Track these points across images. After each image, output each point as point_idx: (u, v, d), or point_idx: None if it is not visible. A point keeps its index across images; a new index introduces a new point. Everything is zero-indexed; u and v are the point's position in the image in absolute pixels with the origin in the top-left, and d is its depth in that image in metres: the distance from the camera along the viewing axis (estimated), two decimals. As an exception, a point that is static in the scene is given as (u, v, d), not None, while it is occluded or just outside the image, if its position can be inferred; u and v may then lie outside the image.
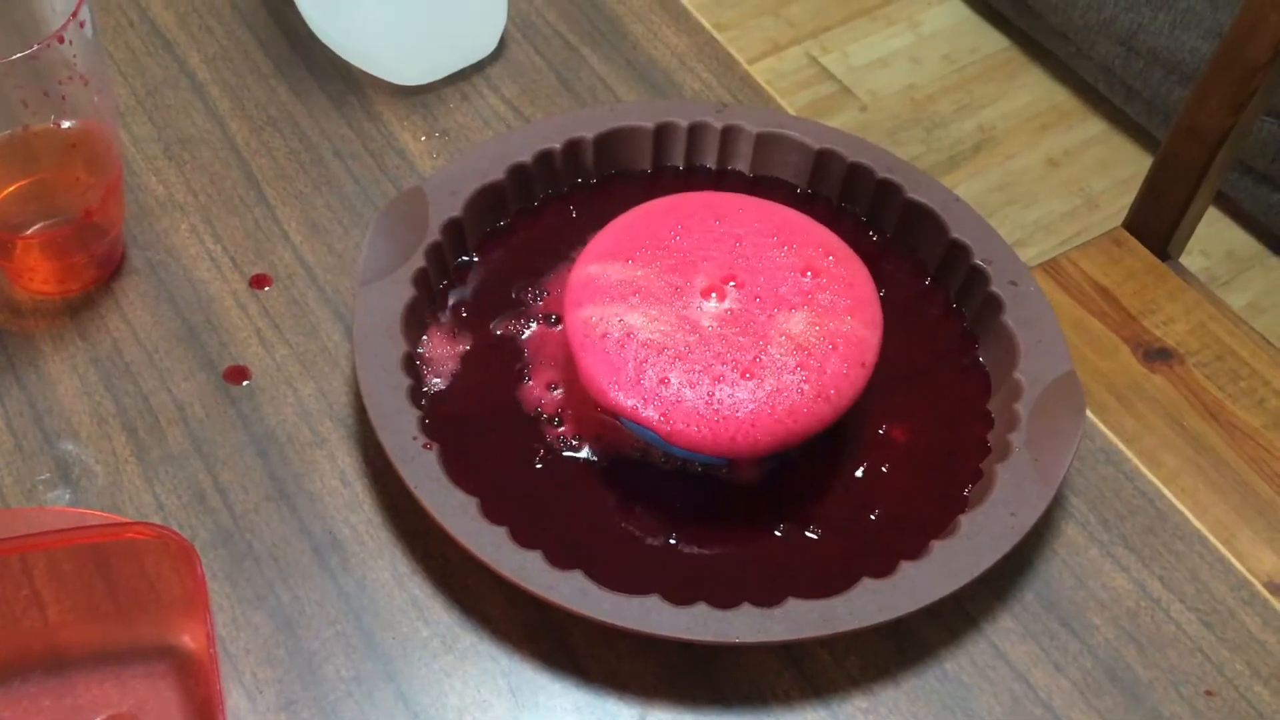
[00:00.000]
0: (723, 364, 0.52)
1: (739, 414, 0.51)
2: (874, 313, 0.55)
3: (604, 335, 0.52)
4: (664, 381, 0.51)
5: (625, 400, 0.51)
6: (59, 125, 0.54)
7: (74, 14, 0.51)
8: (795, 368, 0.52)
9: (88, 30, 0.52)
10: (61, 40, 0.51)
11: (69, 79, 0.52)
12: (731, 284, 0.54)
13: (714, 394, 0.51)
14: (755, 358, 0.52)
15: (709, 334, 0.53)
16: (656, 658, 0.51)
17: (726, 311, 0.54)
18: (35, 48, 0.50)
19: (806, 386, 0.51)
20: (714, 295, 0.54)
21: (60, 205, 0.58)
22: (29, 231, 0.57)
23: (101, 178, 0.57)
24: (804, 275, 0.55)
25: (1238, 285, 1.51)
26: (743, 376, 0.51)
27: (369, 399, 0.53)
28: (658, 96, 0.70)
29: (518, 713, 0.49)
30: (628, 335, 0.52)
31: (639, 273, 0.54)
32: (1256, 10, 0.87)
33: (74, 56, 0.52)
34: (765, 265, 0.55)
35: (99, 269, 0.60)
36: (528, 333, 0.58)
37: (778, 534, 0.53)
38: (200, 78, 0.69)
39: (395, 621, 0.51)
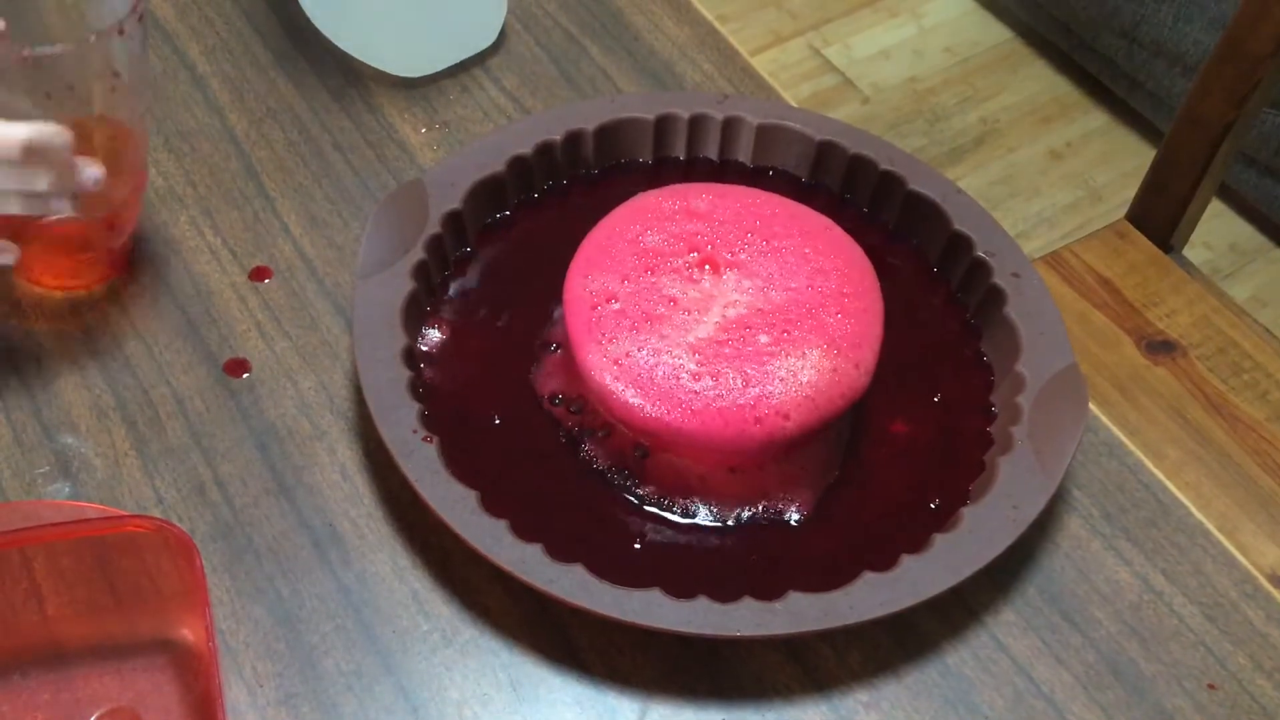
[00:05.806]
0: (724, 363, 0.51)
1: (743, 408, 0.50)
2: (875, 305, 0.54)
3: (602, 320, 0.52)
4: (666, 379, 0.51)
5: (632, 400, 0.51)
6: (100, 119, 0.53)
7: (133, 9, 0.50)
8: (796, 361, 0.51)
9: (137, 35, 0.52)
10: (122, 33, 0.50)
11: (115, 75, 0.52)
12: (731, 276, 0.54)
13: (715, 391, 0.51)
14: (755, 353, 0.52)
15: (709, 333, 0.52)
16: (658, 651, 0.51)
17: (726, 307, 0.53)
18: (93, 38, 0.50)
19: (808, 377, 0.51)
20: (714, 292, 0.54)
21: (82, 200, 0.57)
22: (47, 220, 0.56)
23: (127, 179, 0.56)
24: (805, 267, 0.55)
25: (1241, 278, 1.50)
26: (740, 373, 0.51)
27: (369, 392, 0.53)
28: (659, 88, 0.70)
29: (518, 706, 0.49)
30: (627, 330, 0.52)
31: (639, 269, 0.54)
32: (1259, 2, 0.86)
33: (120, 56, 0.51)
34: (765, 257, 0.55)
35: (110, 268, 0.60)
36: (528, 325, 0.58)
37: (779, 527, 0.53)
38: (200, 70, 0.69)
39: (395, 615, 0.51)
